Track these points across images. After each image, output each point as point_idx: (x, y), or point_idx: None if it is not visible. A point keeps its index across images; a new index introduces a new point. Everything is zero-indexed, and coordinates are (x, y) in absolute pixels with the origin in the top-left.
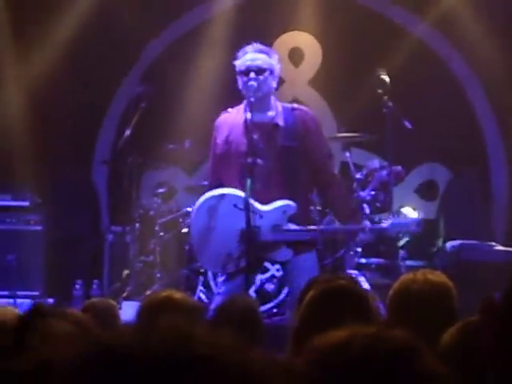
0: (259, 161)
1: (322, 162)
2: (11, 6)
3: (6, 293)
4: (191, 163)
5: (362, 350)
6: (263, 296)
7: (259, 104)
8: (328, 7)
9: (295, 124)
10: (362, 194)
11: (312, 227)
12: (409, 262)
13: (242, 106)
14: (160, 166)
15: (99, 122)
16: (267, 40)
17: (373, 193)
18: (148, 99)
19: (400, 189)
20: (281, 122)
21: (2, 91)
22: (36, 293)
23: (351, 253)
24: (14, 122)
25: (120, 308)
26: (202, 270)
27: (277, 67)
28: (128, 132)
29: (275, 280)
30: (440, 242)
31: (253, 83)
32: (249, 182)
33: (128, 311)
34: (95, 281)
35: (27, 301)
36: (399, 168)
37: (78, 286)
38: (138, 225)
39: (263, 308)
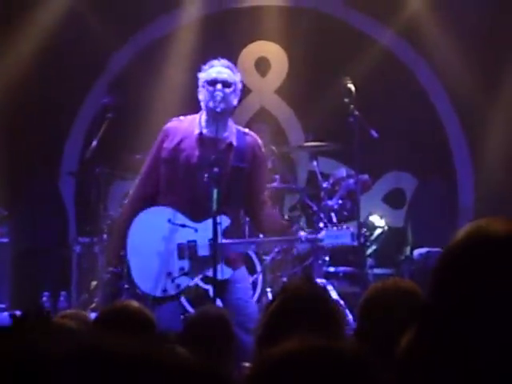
0: (205, 176)
1: (261, 190)
2: None
3: None
4: None
5: (308, 363)
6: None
7: (218, 120)
8: (294, 17)
9: (246, 147)
10: (330, 202)
11: (249, 239)
12: (377, 270)
13: (196, 117)
14: (127, 177)
15: (66, 133)
16: (234, 50)
17: (340, 202)
18: (115, 109)
19: (367, 197)
20: (234, 142)
21: None
22: (3, 305)
23: (319, 262)
24: None
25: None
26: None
27: (239, 85)
28: (95, 143)
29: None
30: (407, 250)
31: (219, 93)
32: (215, 192)
33: None
34: (62, 292)
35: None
36: (366, 176)
37: (45, 298)
38: (105, 236)
39: None
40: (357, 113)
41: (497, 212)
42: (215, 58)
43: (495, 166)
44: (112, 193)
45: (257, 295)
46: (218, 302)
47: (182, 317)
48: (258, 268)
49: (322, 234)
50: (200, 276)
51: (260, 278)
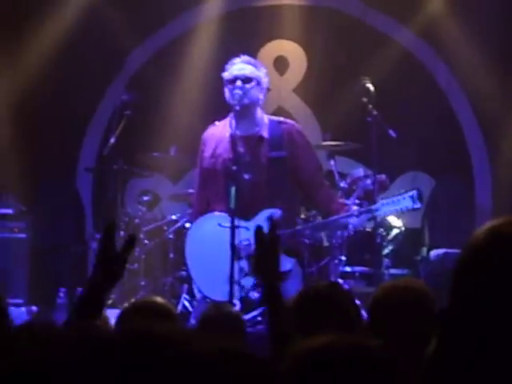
0: (246, 176)
1: (311, 174)
2: None
3: None
4: (176, 171)
5: (342, 356)
6: (247, 304)
7: (244, 116)
8: (313, 16)
9: (281, 136)
10: (347, 202)
11: (302, 227)
12: (393, 271)
13: (228, 119)
14: (145, 174)
15: (84, 130)
16: (252, 49)
17: (357, 201)
18: (133, 107)
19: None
20: (266, 135)
21: None
22: (20, 301)
23: (335, 261)
24: None
25: None
26: (186, 278)
27: (264, 80)
28: (113, 140)
29: (259, 288)
30: (424, 251)
31: (238, 91)
32: (233, 189)
33: (113, 319)
34: (79, 289)
35: (10, 309)
36: (383, 176)
37: (61, 294)
38: (122, 232)
39: (247, 316)
40: (375, 112)
41: None
42: (237, 56)
43: None
44: (129, 190)
45: None
46: None
47: None
48: None
49: (378, 204)
50: None
51: None
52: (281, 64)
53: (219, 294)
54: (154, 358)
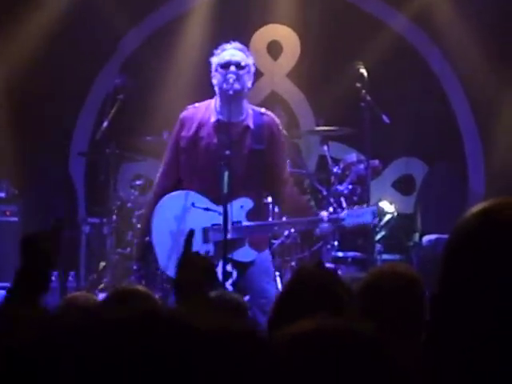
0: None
1: (281, 169)
2: None
3: None
4: None
5: (330, 338)
6: (239, 289)
7: (233, 102)
8: (307, 0)
9: (263, 128)
10: (340, 187)
11: (271, 221)
12: (385, 256)
13: (211, 103)
14: (137, 158)
15: (76, 114)
16: (246, 33)
17: (350, 187)
18: (126, 91)
19: (377, 183)
20: (251, 125)
21: None
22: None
23: (328, 246)
24: None
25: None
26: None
27: (252, 68)
28: (106, 123)
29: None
30: (416, 236)
31: (232, 76)
32: (226, 174)
33: None
34: (71, 272)
35: (2, 292)
36: (377, 162)
37: (53, 278)
38: (115, 217)
39: None
40: (368, 98)
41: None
42: (227, 41)
43: (506, 153)
44: (122, 174)
45: None
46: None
47: None
48: None
49: (344, 214)
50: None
51: None
52: (274, 49)
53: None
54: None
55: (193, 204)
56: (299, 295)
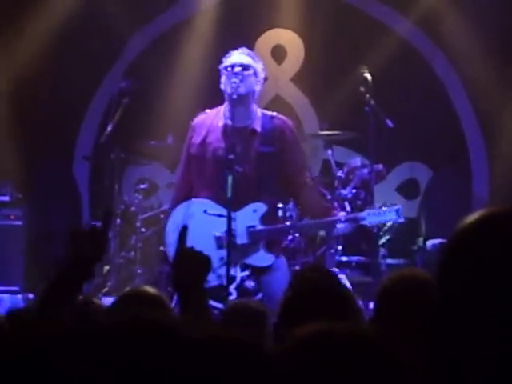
0: (236, 167)
1: (296, 172)
2: None
3: None
4: (173, 159)
5: (340, 341)
6: (243, 293)
7: (239, 106)
8: (311, 5)
9: (273, 131)
10: (344, 192)
11: (288, 223)
12: (389, 261)
13: (221, 108)
14: (142, 162)
15: (81, 117)
16: (250, 37)
17: (354, 191)
18: (131, 95)
19: (381, 187)
20: (258, 128)
21: None
22: (16, 288)
23: (332, 251)
24: None
25: None
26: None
27: (260, 73)
28: (110, 127)
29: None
30: (421, 241)
31: (235, 79)
32: (230, 178)
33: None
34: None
35: (6, 296)
36: (380, 166)
37: None
38: (119, 220)
39: None
40: (372, 102)
41: None
42: (235, 48)
43: (511, 158)
44: (126, 178)
45: None
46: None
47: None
48: None
49: (365, 213)
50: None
51: None
52: (278, 53)
53: None
54: (139, 344)
55: (205, 211)
56: (303, 299)
